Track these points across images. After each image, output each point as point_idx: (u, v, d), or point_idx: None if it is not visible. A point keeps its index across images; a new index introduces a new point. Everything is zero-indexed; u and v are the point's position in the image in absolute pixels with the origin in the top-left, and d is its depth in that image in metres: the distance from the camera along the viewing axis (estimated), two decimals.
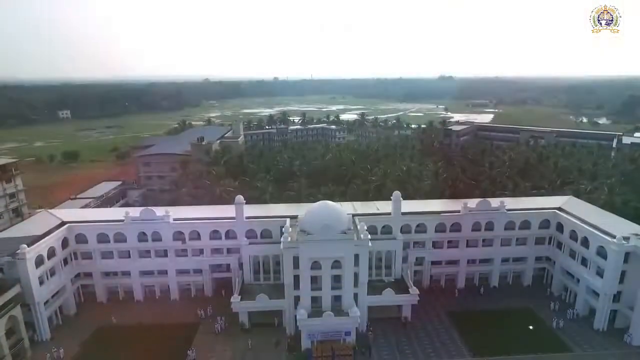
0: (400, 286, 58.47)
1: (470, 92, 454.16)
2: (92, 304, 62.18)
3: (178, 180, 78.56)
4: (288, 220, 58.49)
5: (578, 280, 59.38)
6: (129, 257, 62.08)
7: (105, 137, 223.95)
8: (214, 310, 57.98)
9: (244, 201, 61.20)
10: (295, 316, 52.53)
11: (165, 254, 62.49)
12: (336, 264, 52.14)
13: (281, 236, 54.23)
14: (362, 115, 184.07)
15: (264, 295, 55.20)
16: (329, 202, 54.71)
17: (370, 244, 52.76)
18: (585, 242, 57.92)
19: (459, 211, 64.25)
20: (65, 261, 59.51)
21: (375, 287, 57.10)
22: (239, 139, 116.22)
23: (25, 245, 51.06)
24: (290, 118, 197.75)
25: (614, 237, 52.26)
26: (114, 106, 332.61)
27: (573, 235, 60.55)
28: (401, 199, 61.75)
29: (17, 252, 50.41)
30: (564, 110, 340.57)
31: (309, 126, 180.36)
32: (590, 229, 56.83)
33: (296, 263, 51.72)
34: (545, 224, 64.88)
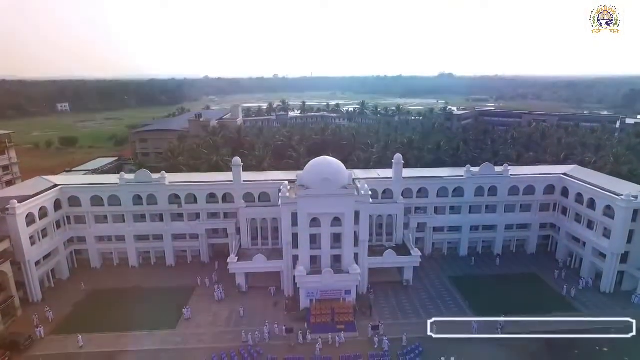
0: (401, 251, 56.89)
1: (470, 89, 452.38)
2: (86, 270, 60.65)
3: (174, 149, 77.05)
4: (287, 182, 57.00)
5: (584, 244, 57.89)
6: (124, 221, 60.61)
7: (104, 128, 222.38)
8: (215, 277, 56.21)
9: (241, 163, 59.76)
10: (294, 276, 51.09)
11: (160, 218, 61.05)
12: (336, 222, 50.68)
13: (279, 198, 52.71)
14: (363, 103, 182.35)
15: (262, 256, 53.66)
16: (329, 157, 53.14)
17: (370, 200, 51.32)
18: (591, 204, 56.48)
19: (461, 176, 62.84)
20: (58, 224, 57.99)
21: (376, 252, 55.61)
22: (237, 120, 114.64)
23: (16, 201, 49.58)
24: (291, 106, 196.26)
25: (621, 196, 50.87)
26: (113, 100, 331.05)
27: (579, 199, 59.13)
28: (402, 161, 60.37)
29: (7, 207, 48.92)
30: (564, 104, 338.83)
31: (308, 114, 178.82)
32: (597, 189, 55.44)
33: (295, 220, 50.18)
34: (550, 190, 63.39)
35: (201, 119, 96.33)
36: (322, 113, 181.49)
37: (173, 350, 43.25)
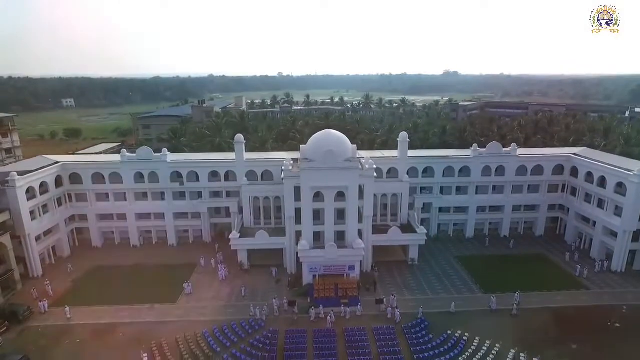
0: (406, 230, 55.83)
1: (475, 87, 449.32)
2: (87, 248, 60.09)
3: (177, 130, 76.36)
4: (290, 159, 55.95)
5: (594, 224, 56.49)
6: (125, 200, 59.96)
7: (108, 122, 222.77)
8: (220, 257, 54.83)
9: (244, 140, 58.93)
10: (297, 253, 50.17)
11: (162, 196, 60.31)
12: (340, 198, 49.68)
13: (282, 172, 51.78)
14: (367, 96, 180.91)
15: (264, 232, 52.78)
16: (333, 130, 52.04)
17: (375, 174, 50.27)
18: (602, 183, 55.08)
19: (468, 155, 61.62)
20: (59, 201, 57.45)
21: (380, 231, 54.58)
22: (241, 108, 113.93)
23: (16, 173, 49.05)
24: (295, 101, 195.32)
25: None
26: (118, 97, 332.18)
27: (589, 178, 57.72)
28: (408, 139, 59.34)
29: (7, 179, 48.39)
30: (571, 102, 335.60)
31: (312, 107, 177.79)
32: (608, 166, 54.07)
33: (298, 195, 49.23)
34: (558, 170, 62.00)
35: (204, 105, 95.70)
36: (326, 106, 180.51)
37: (173, 322, 42.42)
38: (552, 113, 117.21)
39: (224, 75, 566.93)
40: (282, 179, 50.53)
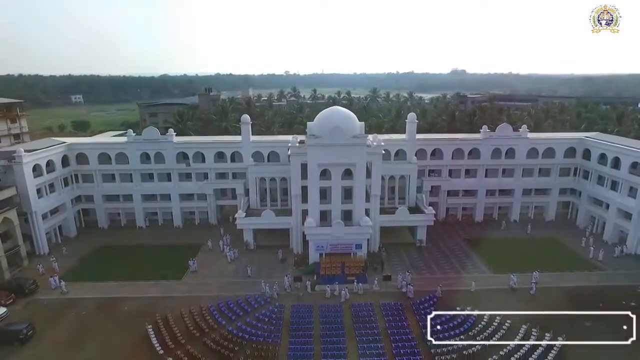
0: (414, 212, 54.97)
1: (483, 85, 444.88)
2: (93, 229, 60.07)
3: (183, 114, 76.07)
4: (297, 138, 55.26)
5: (607, 207, 55.15)
6: (131, 181, 59.81)
7: (116, 117, 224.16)
8: (227, 239, 54.03)
9: (250, 121, 58.47)
10: (303, 233, 49.57)
11: (168, 178, 60.07)
12: (347, 176, 49.02)
13: (289, 149, 51.20)
14: (374, 90, 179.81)
15: (271, 212, 52.27)
16: (341, 107, 51.28)
17: (383, 151, 49.50)
18: (616, 164, 53.83)
19: (478, 138, 60.58)
20: (66, 181, 57.47)
21: (388, 213, 53.80)
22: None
23: (22, 149, 49.07)
24: (301, 95, 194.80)
25: None
26: (126, 93, 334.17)
27: (602, 160, 56.46)
28: (416, 120, 58.48)
29: (14, 155, 48.41)
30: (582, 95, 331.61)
31: (319, 101, 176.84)
32: (622, 147, 52.81)
33: (304, 173, 48.63)
34: (570, 153, 60.72)
35: (211, 93, 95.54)
36: (332, 100, 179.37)
37: (177, 297, 42.02)
38: (564, 104, 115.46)
39: (230, 74, 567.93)
40: (289, 156, 49.93)
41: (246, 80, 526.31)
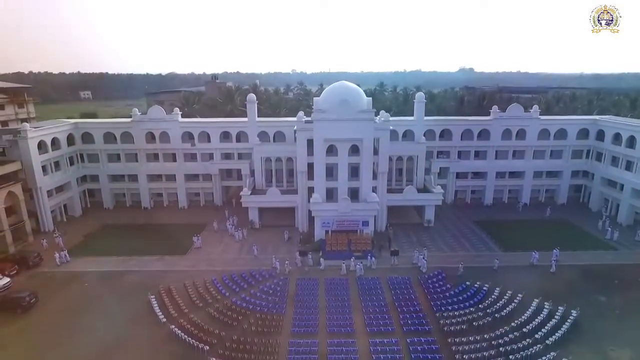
0: (422, 192, 53.91)
1: (490, 83, 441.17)
2: (98, 210, 59.85)
3: (189, 97, 75.78)
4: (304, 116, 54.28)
5: (622, 188, 53.62)
6: (137, 161, 59.49)
7: (125, 111, 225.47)
8: (235, 219, 52.69)
9: (256, 100, 57.84)
10: (309, 211, 48.77)
11: (173, 158, 59.67)
12: (354, 153, 48.15)
13: (295, 128, 50.37)
14: (381, 84, 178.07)
15: (276, 189, 51.57)
16: (347, 82, 50.31)
17: (391, 127, 48.54)
18: (631, 143, 52.36)
19: (488, 118, 59.34)
20: (71, 161, 57.32)
21: (395, 192, 52.87)
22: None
23: (27, 124, 48.94)
24: (308, 89, 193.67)
25: None
26: (135, 90, 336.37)
27: (616, 141, 54.97)
28: (424, 99, 57.44)
29: (19, 130, 48.29)
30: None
31: None
32: (638, 125, 51.30)
33: (310, 148, 47.82)
34: (583, 135, 59.26)
35: (217, 80, 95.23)
36: None
37: (181, 271, 41.46)
38: (575, 93, 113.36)
39: (237, 72, 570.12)
40: (295, 132, 49.18)
41: (253, 78, 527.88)
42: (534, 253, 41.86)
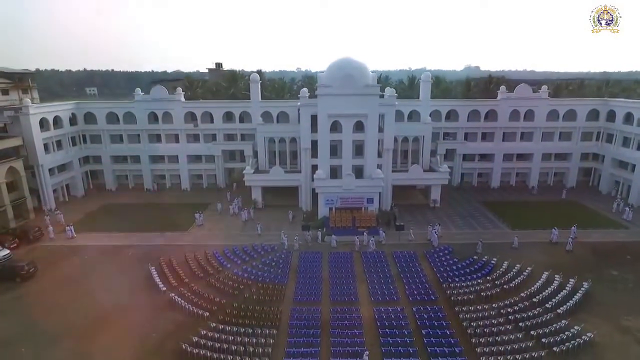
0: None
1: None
2: (101, 191, 59.51)
3: (192, 80, 75.25)
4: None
5: (633, 169, 52.28)
6: (139, 141, 59.01)
7: None
8: (240, 201, 51.23)
9: (260, 80, 57.16)
10: (313, 189, 48.00)
11: (176, 139, 59.13)
12: (358, 130, 47.31)
13: (298, 104, 49.62)
14: (386, 77, 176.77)
15: (279, 169, 50.83)
16: (352, 57, 49.36)
17: (396, 102, 47.62)
18: None
19: (495, 99, 58.22)
20: (74, 141, 56.95)
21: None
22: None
23: (29, 100, 48.55)
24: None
25: None
26: (140, 86, 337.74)
27: (627, 121, 53.66)
28: (430, 79, 56.46)
29: (21, 106, 47.91)
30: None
31: None
32: None
33: (314, 125, 47.05)
34: (593, 116, 57.95)
35: (221, 68, 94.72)
36: None
37: (182, 245, 40.80)
38: (583, 81, 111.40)
39: (242, 70, 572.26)
40: (298, 110, 48.42)
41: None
42: (553, 230, 40.60)
